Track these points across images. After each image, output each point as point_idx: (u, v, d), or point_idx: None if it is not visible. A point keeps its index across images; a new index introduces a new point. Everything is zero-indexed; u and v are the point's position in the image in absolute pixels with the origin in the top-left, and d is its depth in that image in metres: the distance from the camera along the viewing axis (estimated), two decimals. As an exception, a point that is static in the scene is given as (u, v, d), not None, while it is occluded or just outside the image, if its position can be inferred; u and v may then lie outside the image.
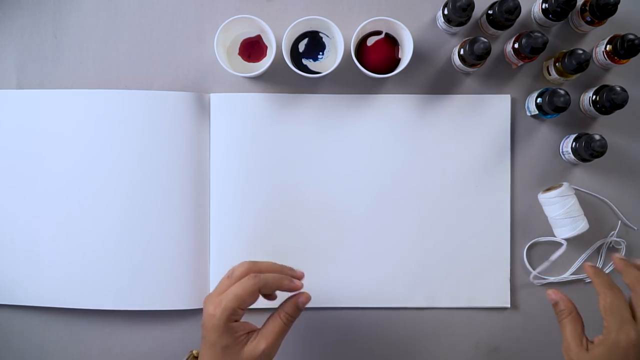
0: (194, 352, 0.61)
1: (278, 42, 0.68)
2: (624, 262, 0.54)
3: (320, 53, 0.71)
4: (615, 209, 0.71)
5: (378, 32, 0.70)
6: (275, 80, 0.72)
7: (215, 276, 0.70)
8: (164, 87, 0.71)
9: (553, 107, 0.65)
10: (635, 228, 0.72)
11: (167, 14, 0.72)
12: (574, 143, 0.68)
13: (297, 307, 0.58)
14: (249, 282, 0.55)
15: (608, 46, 0.67)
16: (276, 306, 0.59)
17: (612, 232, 0.71)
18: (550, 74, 0.70)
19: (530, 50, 0.64)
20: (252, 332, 0.57)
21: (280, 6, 0.72)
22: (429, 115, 0.71)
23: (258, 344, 0.55)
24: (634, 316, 0.52)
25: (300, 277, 0.60)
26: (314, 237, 0.71)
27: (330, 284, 0.71)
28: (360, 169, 0.71)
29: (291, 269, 0.60)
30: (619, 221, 0.71)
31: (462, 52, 0.68)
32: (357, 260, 0.71)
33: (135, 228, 0.70)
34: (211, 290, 0.61)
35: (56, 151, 0.70)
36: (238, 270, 0.57)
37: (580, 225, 0.68)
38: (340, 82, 0.72)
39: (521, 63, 0.70)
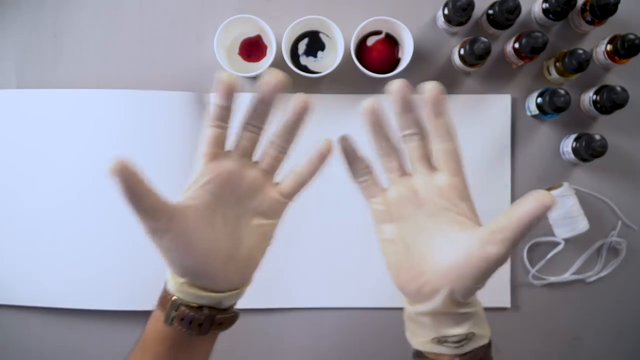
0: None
1: (278, 42, 0.68)
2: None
3: (320, 53, 0.71)
4: (616, 209, 0.71)
5: (378, 32, 0.70)
6: (275, 80, 0.72)
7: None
8: (164, 87, 0.71)
9: (553, 107, 0.65)
10: (636, 228, 0.72)
11: (167, 14, 0.72)
12: (574, 143, 0.68)
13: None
14: None
15: (608, 46, 0.67)
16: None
17: (612, 232, 0.71)
18: (550, 74, 0.70)
19: (530, 50, 0.64)
20: None
21: (280, 6, 0.72)
22: (429, 115, 0.71)
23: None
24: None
25: None
26: (313, 237, 0.71)
27: (330, 283, 0.71)
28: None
29: None
30: (619, 221, 0.71)
31: (462, 52, 0.67)
32: (356, 260, 0.71)
33: (135, 228, 0.69)
34: None
35: (56, 151, 0.70)
36: None
37: (580, 225, 0.68)
38: (340, 82, 0.72)
39: (521, 63, 0.70)
